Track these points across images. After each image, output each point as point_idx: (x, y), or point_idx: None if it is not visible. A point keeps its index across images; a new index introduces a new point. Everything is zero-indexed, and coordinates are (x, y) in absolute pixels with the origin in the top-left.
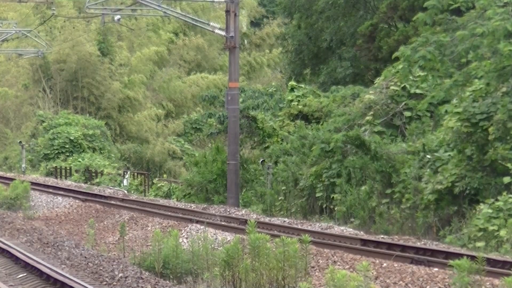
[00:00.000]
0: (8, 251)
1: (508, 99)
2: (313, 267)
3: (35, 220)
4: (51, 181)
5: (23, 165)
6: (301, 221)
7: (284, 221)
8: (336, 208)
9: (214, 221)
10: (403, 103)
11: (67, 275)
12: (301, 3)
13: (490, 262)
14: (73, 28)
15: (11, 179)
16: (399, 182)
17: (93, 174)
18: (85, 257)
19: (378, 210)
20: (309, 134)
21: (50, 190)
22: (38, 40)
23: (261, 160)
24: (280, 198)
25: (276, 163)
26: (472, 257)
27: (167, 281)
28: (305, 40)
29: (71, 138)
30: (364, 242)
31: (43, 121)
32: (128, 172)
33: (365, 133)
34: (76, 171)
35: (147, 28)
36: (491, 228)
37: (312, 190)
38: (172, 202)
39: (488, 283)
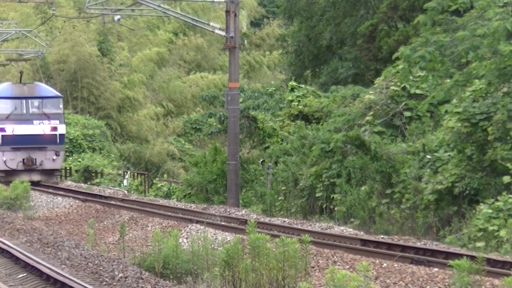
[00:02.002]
0: (8, 251)
1: (509, 99)
2: (313, 267)
3: (35, 220)
4: (51, 181)
5: None
6: (301, 221)
7: (284, 221)
8: (336, 208)
9: (214, 221)
10: (403, 103)
11: (67, 275)
12: (301, 5)
13: (490, 262)
14: (73, 27)
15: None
16: (399, 182)
17: (93, 174)
18: (85, 257)
19: (378, 210)
20: (309, 134)
21: (50, 190)
22: (38, 40)
23: (261, 160)
24: (280, 198)
25: (276, 163)
26: (472, 257)
27: (167, 281)
28: (305, 42)
29: (71, 138)
30: (364, 242)
31: None
32: (128, 172)
33: (365, 133)
34: (76, 171)
35: (147, 28)
36: (491, 228)
37: (312, 190)
38: (172, 202)
39: (488, 283)
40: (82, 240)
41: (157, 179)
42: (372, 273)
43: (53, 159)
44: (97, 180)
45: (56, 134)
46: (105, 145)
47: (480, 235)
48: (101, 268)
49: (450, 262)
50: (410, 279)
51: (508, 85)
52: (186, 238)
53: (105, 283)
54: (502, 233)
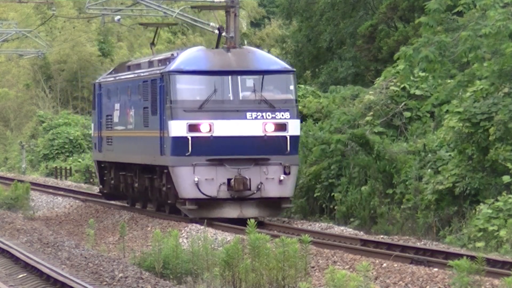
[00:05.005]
0: (8, 251)
1: (510, 99)
2: (313, 267)
3: (35, 220)
4: (51, 181)
5: (23, 166)
6: (301, 221)
7: (284, 221)
8: (336, 208)
9: (214, 221)
10: (403, 104)
11: (67, 275)
12: (300, 5)
13: (490, 262)
14: (73, 28)
15: (12, 180)
16: (400, 183)
17: (93, 174)
18: (85, 257)
19: (379, 210)
20: (309, 134)
21: (50, 191)
22: (38, 41)
23: None
24: None
25: None
26: (472, 258)
27: (167, 281)
28: (305, 42)
29: (71, 138)
30: (364, 242)
31: (43, 122)
32: None
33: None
34: (76, 171)
35: (147, 29)
36: (491, 228)
37: (312, 190)
38: None
39: (487, 283)
40: (82, 240)
41: None
42: (372, 273)
43: (280, 180)
44: (98, 180)
45: (285, 137)
46: None
47: (480, 235)
48: (101, 268)
49: (450, 262)
50: (410, 279)
51: (509, 85)
52: (186, 238)
53: (105, 283)
54: (502, 233)
